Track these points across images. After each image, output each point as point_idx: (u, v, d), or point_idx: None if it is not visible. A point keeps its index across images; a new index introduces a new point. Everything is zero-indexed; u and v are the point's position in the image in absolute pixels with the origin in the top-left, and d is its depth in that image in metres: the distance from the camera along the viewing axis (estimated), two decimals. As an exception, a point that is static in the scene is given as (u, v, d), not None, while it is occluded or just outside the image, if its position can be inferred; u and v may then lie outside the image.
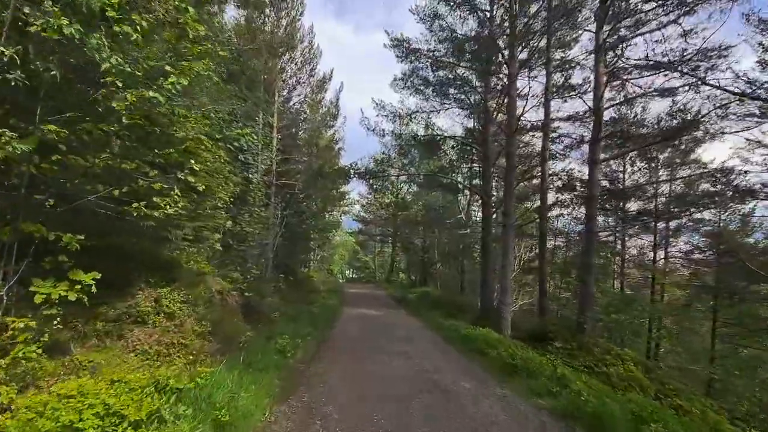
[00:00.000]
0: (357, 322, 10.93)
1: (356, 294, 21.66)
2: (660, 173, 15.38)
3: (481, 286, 13.41)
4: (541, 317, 11.21)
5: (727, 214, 15.33)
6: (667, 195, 15.39)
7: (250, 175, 13.09)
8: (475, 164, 16.36)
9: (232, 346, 6.08)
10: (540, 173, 12.31)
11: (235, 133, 8.23)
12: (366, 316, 12.82)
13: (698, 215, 15.11)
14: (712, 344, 14.57)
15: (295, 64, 18.60)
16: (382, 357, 6.65)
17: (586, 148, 13.40)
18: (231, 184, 8.15)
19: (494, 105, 14.52)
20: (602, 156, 9.61)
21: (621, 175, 17.33)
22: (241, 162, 10.94)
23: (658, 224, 16.53)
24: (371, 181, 13.98)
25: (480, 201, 14.62)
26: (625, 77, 10.24)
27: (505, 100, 13.71)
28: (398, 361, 6.37)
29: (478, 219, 22.46)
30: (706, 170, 12.88)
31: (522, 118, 12.03)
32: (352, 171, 14.22)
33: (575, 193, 13.33)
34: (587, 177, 9.99)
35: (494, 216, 14.07)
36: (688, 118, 9.83)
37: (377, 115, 13.59)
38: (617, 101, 10.52)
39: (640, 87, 10.74)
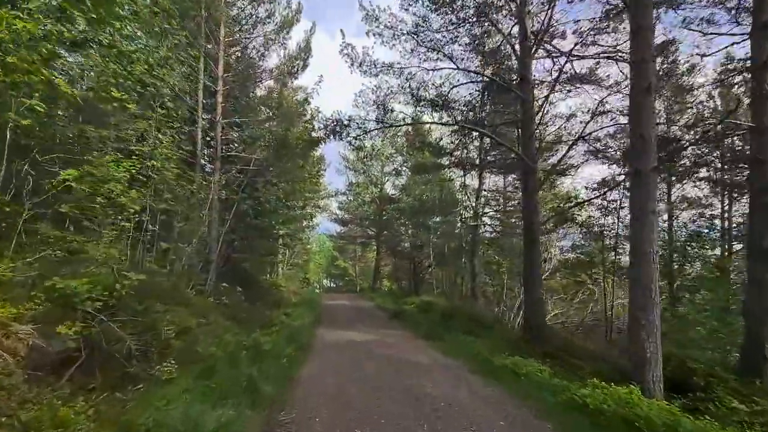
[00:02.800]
0: (340, 365, 6.13)
1: (336, 307, 16.78)
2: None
3: (526, 295, 8.95)
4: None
5: None
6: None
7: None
8: (506, 123, 11.88)
9: None
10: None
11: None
12: (354, 345, 8.00)
13: None
14: None
15: (251, -3, 13.83)
16: None
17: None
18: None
19: (532, 35, 10.29)
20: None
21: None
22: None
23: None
24: (357, 139, 9.30)
25: (521, 179, 10.19)
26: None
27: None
28: None
29: (488, 209, 18.26)
30: None
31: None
32: (330, 127, 9.47)
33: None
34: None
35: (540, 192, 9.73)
36: None
37: (368, 33, 8.96)
38: None
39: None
